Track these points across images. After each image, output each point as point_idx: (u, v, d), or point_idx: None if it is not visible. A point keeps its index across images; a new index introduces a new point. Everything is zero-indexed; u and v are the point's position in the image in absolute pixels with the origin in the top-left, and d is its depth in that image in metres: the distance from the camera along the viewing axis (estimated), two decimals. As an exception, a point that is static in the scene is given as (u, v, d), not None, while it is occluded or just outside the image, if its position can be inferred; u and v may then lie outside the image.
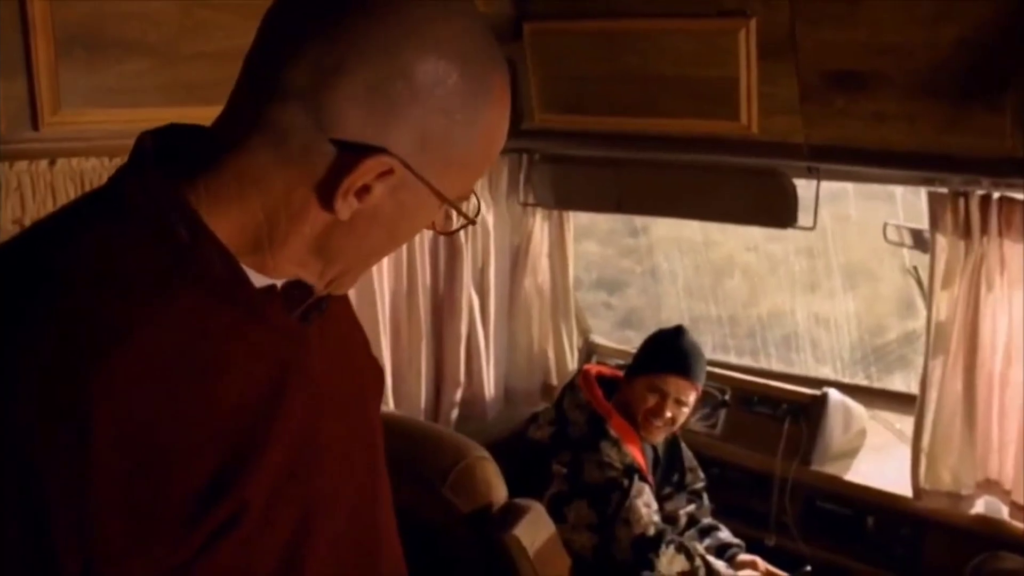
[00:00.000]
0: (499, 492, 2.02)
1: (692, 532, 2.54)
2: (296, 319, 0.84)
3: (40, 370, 0.69)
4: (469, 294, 2.92)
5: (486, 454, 2.02)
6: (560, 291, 3.17)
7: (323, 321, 0.88)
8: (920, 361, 2.42)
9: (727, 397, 2.88)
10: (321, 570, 0.86)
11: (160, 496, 0.72)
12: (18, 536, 0.68)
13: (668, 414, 2.38)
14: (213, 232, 0.77)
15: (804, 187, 2.49)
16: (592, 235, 5.82)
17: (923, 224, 2.41)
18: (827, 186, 2.49)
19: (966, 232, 2.22)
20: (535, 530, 2.00)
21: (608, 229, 5.95)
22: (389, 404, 2.73)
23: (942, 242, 2.28)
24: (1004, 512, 2.33)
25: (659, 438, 2.48)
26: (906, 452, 2.45)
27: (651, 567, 2.24)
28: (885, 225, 2.70)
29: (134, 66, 1.83)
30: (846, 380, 3.35)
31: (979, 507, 2.38)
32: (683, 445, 2.62)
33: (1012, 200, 2.16)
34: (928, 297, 2.37)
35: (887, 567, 2.50)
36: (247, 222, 0.78)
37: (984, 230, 2.20)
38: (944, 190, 2.24)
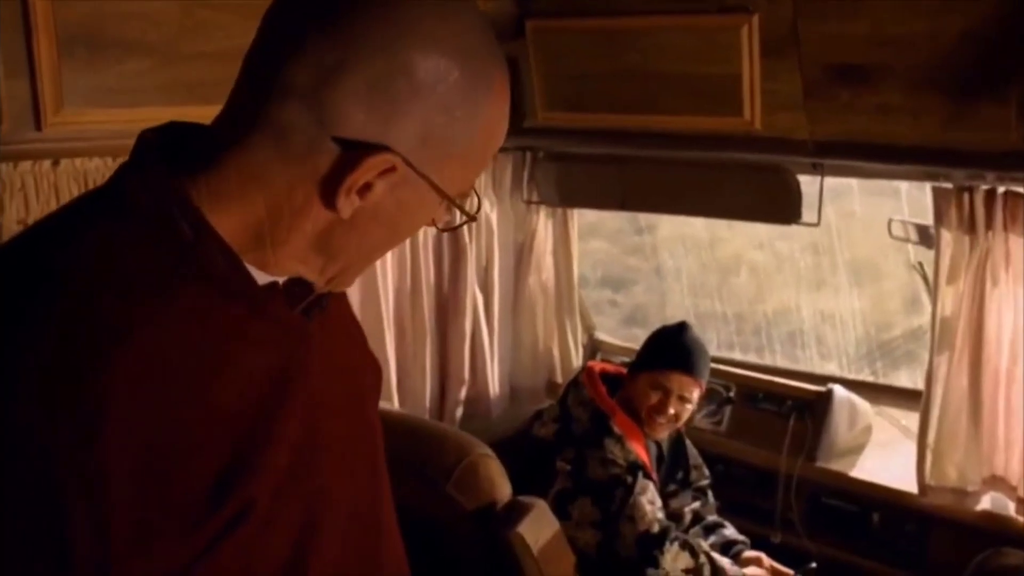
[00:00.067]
0: (503, 490, 2.01)
1: (697, 529, 2.54)
2: (299, 315, 0.84)
3: (40, 370, 0.69)
4: (473, 292, 2.93)
5: (490, 452, 2.02)
6: (564, 288, 3.17)
7: (323, 318, 0.88)
8: (926, 357, 2.41)
9: (732, 394, 2.88)
10: (324, 570, 0.86)
11: (165, 496, 0.72)
12: (35, 535, 0.68)
13: (671, 411, 2.38)
14: (215, 229, 0.77)
15: (808, 183, 2.48)
16: (599, 233, 5.83)
17: (928, 220, 2.40)
18: (832, 182, 2.48)
19: (971, 227, 2.22)
20: (539, 527, 2.00)
21: (615, 227, 5.95)
22: (394, 402, 2.73)
23: (947, 237, 2.27)
24: (1011, 508, 2.32)
25: (663, 435, 2.48)
26: (912, 448, 2.44)
27: (655, 564, 2.23)
28: (890, 221, 2.69)
29: (135, 66, 1.83)
30: (851, 376, 3.35)
31: (985, 503, 2.37)
32: (688, 442, 2.62)
33: (1017, 195, 2.15)
34: (933, 293, 2.36)
35: (893, 563, 2.49)
36: (249, 220, 0.78)
37: (989, 225, 2.19)
38: (949, 185, 2.24)
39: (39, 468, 0.67)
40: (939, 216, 2.28)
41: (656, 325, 2.58)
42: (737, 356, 3.72)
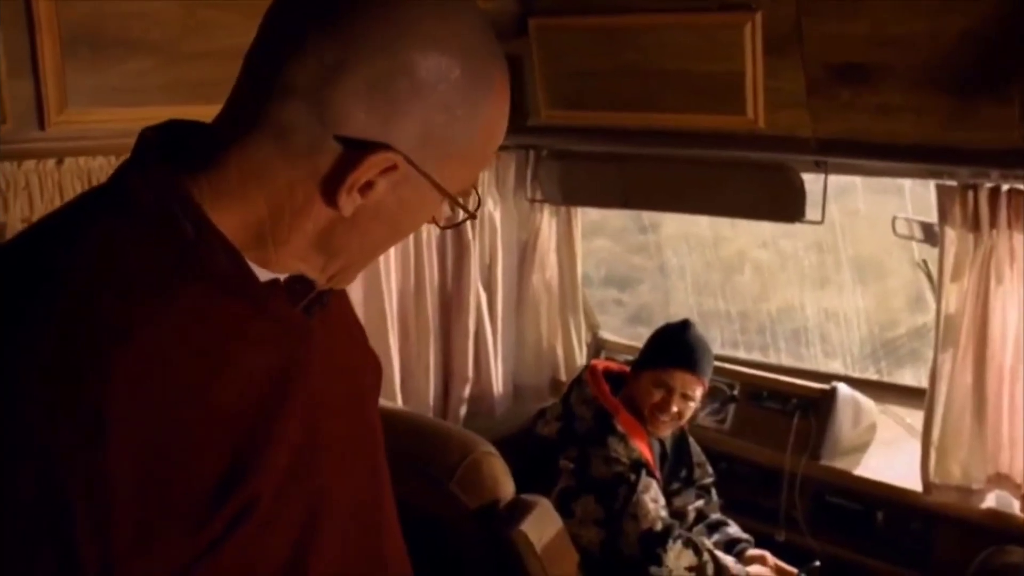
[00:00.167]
0: (506, 488, 2.02)
1: (700, 527, 2.53)
2: (300, 312, 0.84)
3: (40, 370, 0.69)
4: (477, 290, 2.93)
5: (493, 450, 2.02)
6: (568, 287, 3.17)
7: (323, 316, 0.88)
8: (930, 355, 2.40)
9: (736, 392, 2.88)
10: (325, 570, 0.86)
11: (166, 496, 0.72)
12: (37, 536, 0.68)
13: (674, 408, 2.38)
14: (217, 227, 0.77)
15: (812, 181, 2.48)
16: (603, 232, 5.83)
17: (932, 217, 2.40)
18: (835, 180, 2.48)
19: (975, 225, 2.21)
20: (542, 526, 2.00)
21: (619, 226, 5.95)
22: (397, 400, 2.74)
23: (951, 235, 2.27)
24: (1015, 506, 2.31)
25: (666, 433, 2.48)
26: (916, 446, 2.44)
27: (659, 562, 2.23)
28: (894, 219, 2.69)
29: (137, 65, 1.84)
30: (856, 375, 3.34)
31: (990, 501, 2.36)
32: (691, 440, 2.62)
33: (1021, 192, 2.15)
34: (937, 290, 2.36)
35: (897, 562, 2.49)
36: (250, 218, 0.78)
37: (993, 223, 2.18)
38: (953, 183, 2.23)
39: (40, 468, 0.67)
40: (943, 214, 2.27)
41: (661, 324, 2.58)
42: (741, 354, 3.71)
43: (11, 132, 1.71)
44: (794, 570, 2.44)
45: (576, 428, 2.38)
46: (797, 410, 2.72)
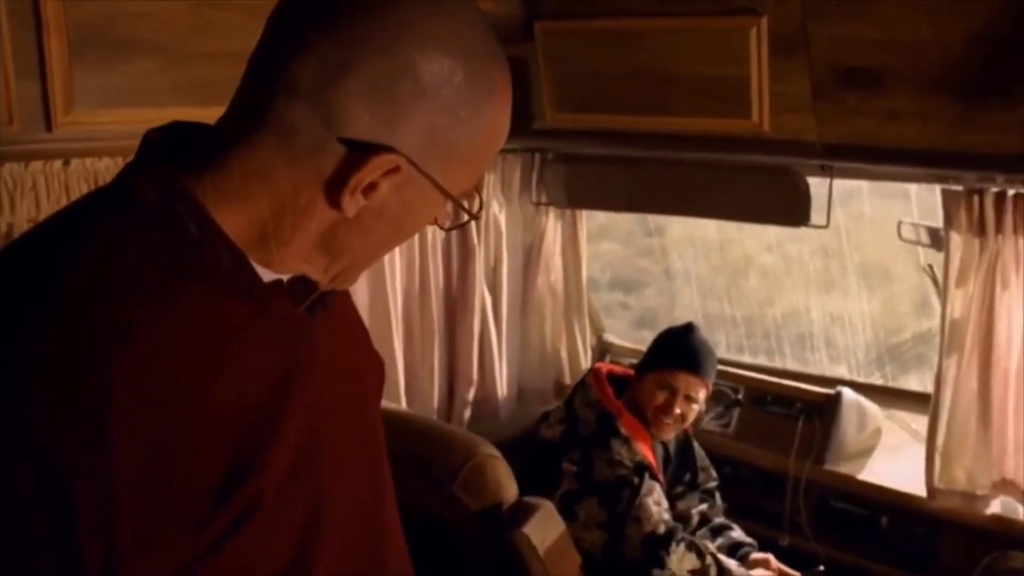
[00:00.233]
0: (509, 490, 2.01)
1: (704, 531, 2.53)
2: (302, 313, 0.84)
3: (40, 370, 0.69)
4: (482, 293, 2.93)
5: (496, 452, 2.02)
6: (573, 290, 3.17)
7: (326, 316, 0.88)
8: (936, 360, 2.40)
9: (740, 396, 2.87)
10: (327, 570, 0.86)
11: (168, 496, 0.72)
12: (38, 536, 0.68)
13: (678, 410, 2.38)
14: (221, 227, 0.77)
15: (817, 185, 2.48)
16: (610, 235, 5.82)
17: (938, 222, 2.39)
18: (841, 184, 2.48)
19: (981, 230, 2.21)
20: (545, 528, 2.00)
21: (626, 230, 5.95)
22: (401, 402, 2.74)
23: (956, 240, 2.27)
24: (1020, 512, 2.31)
25: (669, 435, 2.47)
26: (921, 452, 2.43)
27: (662, 565, 2.23)
28: (900, 223, 2.68)
29: (144, 66, 1.84)
30: (861, 379, 3.34)
31: (995, 507, 2.36)
32: (695, 444, 2.62)
33: (1027, 197, 2.15)
34: (943, 295, 2.35)
35: (901, 567, 2.48)
36: (253, 218, 0.79)
37: (999, 227, 2.18)
38: (959, 187, 2.23)
39: (40, 469, 0.67)
40: (949, 218, 2.27)
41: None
42: (746, 359, 3.70)
43: (18, 133, 1.72)
44: (798, 574, 2.43)
45: (579, 431, 2.38)
46: (802, 414, 2.72)
